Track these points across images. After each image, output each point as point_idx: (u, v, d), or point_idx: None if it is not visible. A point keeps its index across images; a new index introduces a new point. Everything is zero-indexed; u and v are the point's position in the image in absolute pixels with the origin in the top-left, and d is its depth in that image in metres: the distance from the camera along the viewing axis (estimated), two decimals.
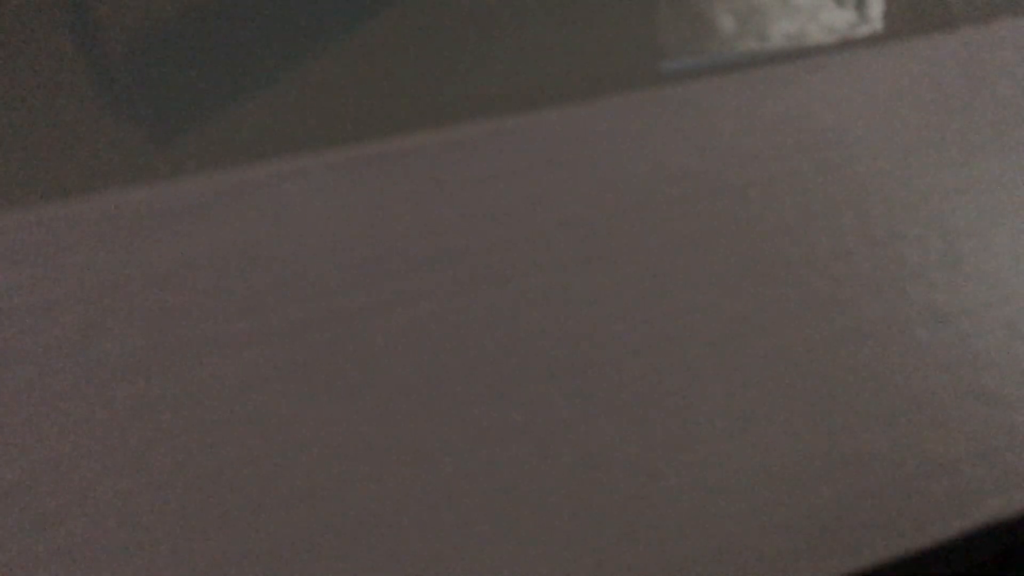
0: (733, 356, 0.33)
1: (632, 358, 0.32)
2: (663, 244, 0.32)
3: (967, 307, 0.35)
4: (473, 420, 0.30)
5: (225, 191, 0.29)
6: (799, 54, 0.37)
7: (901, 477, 0.34)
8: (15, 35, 0.28)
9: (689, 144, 0.33)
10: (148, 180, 0.30)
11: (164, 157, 0.31)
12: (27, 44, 0.29)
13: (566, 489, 0.30)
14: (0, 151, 0.29)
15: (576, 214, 0.31)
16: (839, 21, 0.38)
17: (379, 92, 0.33)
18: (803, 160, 0.33)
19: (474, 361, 0.31)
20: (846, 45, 0.37)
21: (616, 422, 0.32)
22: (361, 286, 0.30)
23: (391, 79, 0.33)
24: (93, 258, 0.29)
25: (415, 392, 0.30)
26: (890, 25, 0.39)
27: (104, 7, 0.31)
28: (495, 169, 0.31)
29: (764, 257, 0.33)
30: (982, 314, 0.35)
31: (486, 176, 0.31)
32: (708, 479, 0.32)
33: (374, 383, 0.30)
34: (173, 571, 0.26)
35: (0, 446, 0.27)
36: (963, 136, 0.35)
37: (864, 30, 0.38)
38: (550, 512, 0.30)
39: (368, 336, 0.30)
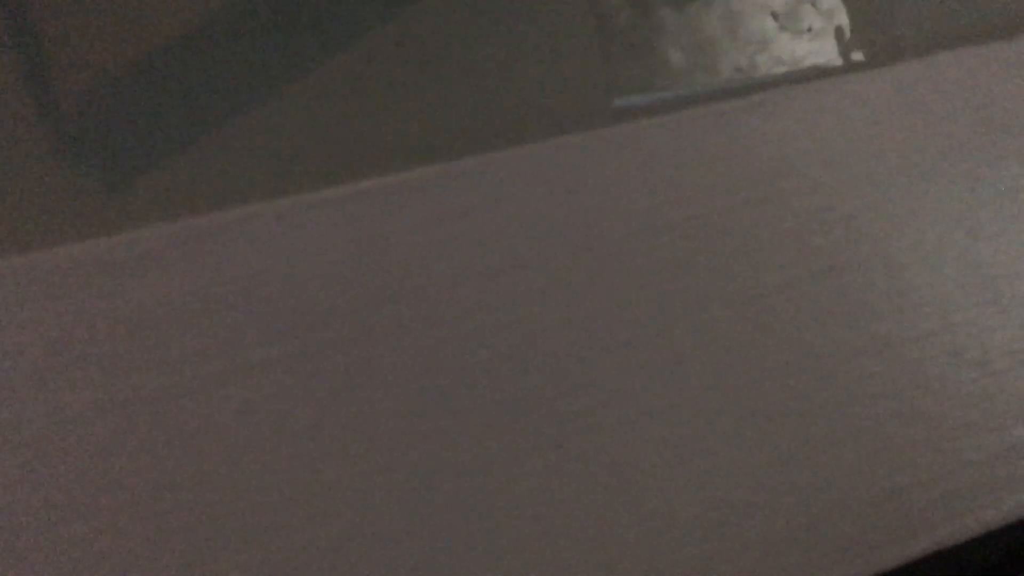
0: (682, 388, 0.33)
1: (581, 392, 0.32)
2: (611, 282, 0.33)
3: (911, 336, 0.35)
4: (426, 455, 0.31)
5: (177, 241, 0.30)
6: (747, 88, 0.38)
7: (851, 503, 0.35)
8: None
9: (636, 182, 0.33)
10: (103, 230, 0.30)
11: (118, 206, 0.31)
12: None
13: (517, 523, 0.31)
14: None
15: (525, 254, 0.32)
16: (787, 53, 0.39)
17: (330, 139, 0.33)
18: (747, 195, 0.34)
19: (425, 398, 0.31)
20: (792, 78, 0.38)
21: (569, 453, 0.32)
22: (313, 328, 0.31)
23: (341, 126, 0.33)
24: (52, 309, 0.29)
25: (367, 431, 0.31)
26: (840, 56, 0.40)
27: (57, 54, 0.31)
28: (445, 211, 0.32)
29: (709, 292, 0.34)
30: (926, 342, 0.36)
31: (437, 218, 0.31)
32: (660, 508, 0.33)
33: (327, 421, 0.30)
34: None
35: None
36: (904, 168, 0.36)
37: (813, 61, 0.39)
38: (501, 538, 0.31)
39: (323, 376, 0.30)
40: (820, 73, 0.39)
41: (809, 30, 0.40)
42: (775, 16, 0.40)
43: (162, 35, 0.32)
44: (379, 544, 0.30)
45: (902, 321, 0.35)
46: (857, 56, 0.40)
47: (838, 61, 0.40)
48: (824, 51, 0.40)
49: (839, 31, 0.40)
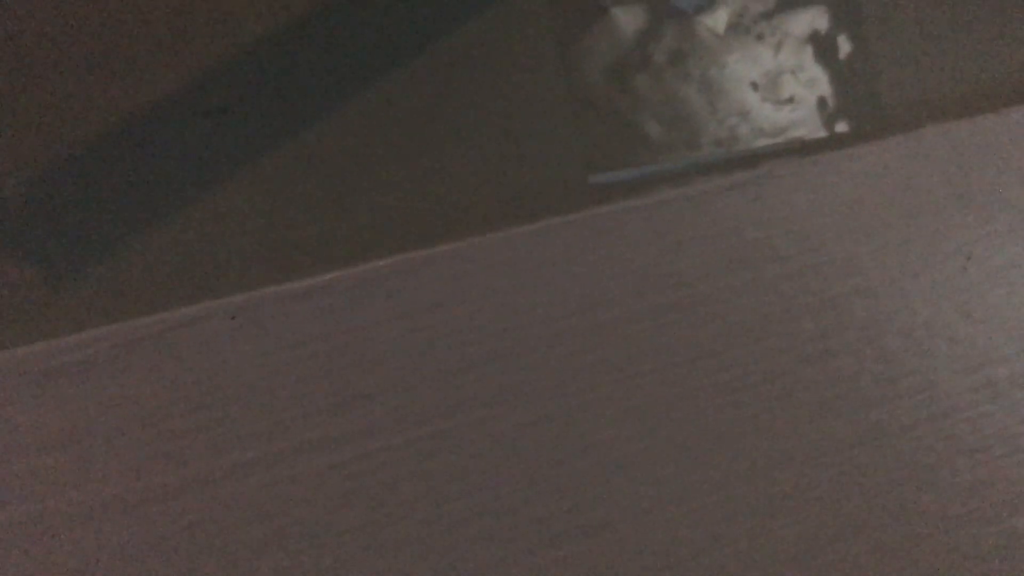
0: (666, 484, 0.31)
1: (561, 491, 0.31)
2: (590, 374, 0.31)
3: (904, 423, 0.34)
4: (400, 561, 0.29)
5: (122, 344, 0.28)
6: (728, 163, 0.36)
7: None
8: None
9: (617, 268, 0.32)
10: (39, 333, 0.28)
11: (60, 306, 0.29)
12: None
13: None
14: None
15: (497, 347, 0.30)
16: (769, 125, 0.38)
17: (288, 230, 0.31)
18: (732, 279, 0.32)
19: (382, 507, 0.29)
20: (775, 150, 0.37)
21: (551, 557, 0.30)
22: (258, 437, 0.29)
23: (300, 217, 0.31)
24: None
25: (333, 539, 0.28)
26: (823, 127, 0.39)
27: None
28: (414, 304, 0.30)
29: (695, 382, 0.32)
30: (920, 429, 0.34)
31: (405, 311, 0.30)
32: None
33: (273, 537, 0.28)
34: None
35: None
36: (892, 248, 0.35)
37: (795, 133, 0.38)
38: None
39: (283, 485, 0.28)
40: (803, 145, 0.37)
41: (791, 100, 0.38)
42: (755, 86, 0.38)
43: (101, 129, 0.30)
44: None
45: (894, 408, 0.34)
46: (841, 127, 0.38)
47: (822, 132, 0.38)
48: (807, 122, 0.38)
49: (821, 101, 0.38)
